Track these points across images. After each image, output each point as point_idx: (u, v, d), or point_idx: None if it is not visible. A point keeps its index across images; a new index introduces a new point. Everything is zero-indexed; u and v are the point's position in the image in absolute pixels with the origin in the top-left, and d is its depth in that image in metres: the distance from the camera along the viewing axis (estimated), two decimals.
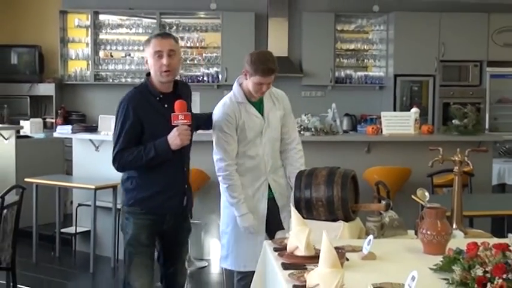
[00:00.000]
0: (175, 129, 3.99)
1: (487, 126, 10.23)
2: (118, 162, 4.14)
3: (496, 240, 3.71)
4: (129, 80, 10.60)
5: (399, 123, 7.89)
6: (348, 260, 3.63)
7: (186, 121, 4.00)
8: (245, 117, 4.77)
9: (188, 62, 10.75)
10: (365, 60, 11.39)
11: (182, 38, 10.60)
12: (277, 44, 10.70)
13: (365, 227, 4.32)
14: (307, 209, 4.12)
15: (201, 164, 6.34)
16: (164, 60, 4.04)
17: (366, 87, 11.18)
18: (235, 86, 4.93)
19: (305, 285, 2.97)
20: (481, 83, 10.68)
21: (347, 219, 4.23)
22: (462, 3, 10.57)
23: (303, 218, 4.01)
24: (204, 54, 10.93)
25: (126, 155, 4.10)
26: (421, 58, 10.65)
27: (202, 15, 10.82)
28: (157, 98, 4.19)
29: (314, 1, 10.84)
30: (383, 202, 4.57)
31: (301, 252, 3.64)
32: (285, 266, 3.40)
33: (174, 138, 4.00)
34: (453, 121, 8.21)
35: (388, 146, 7.60)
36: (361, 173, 6.67)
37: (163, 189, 4.26)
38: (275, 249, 3.95)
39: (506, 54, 10.73)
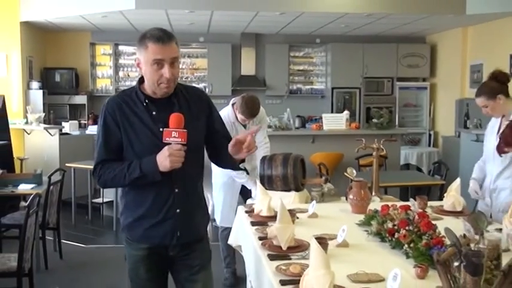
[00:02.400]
0: (166, 148, 2.46)
1: (396, 123, 10.30)
2: (98, 177, 2.65)
3: (401, 203, 3.77)
4: None
5: (335, 122, 7.94)
6: (298, 218, 3.67)
7: (180, 139, 2.45)
8: (235, 131, 4.70)
9: (184, 79, 10.69)
10: (310, 78, 11.37)
11: (180, 63, 10.41)
12: (248, 66, 10.76)
13: (310, 195, 4.36)
14: (269, 183, 4.12)
15: None
16: (166, 71, 2.50)
17: (312, 96, 11.22)
18: (230, 108, 4.90)
19: (267, 237, 3.04)
20: (392, 93, 10.75)
21: (297, 190, 4.25)
22: (379, 37, 10.63)
23: (266, 189, 4.05)
24: (195, 74, 10.92)
25: (107, 171, 2.61)
26: (350, 76, 10.65)
27: (193, 46, 10.78)
28: (144, 104, 2.61)
29: (274, 36, 10.84)
30: (323, 177, 4.61)
31: (264, 213, 3.70)
32: (253, 223, 3.52)
33: (164, 159, 2.46)
34: (373, 120, 8.30)
35: (327, 138, 7.62)
36: (308, 157, 6.71)
37: (144, 214, 2.65)
38: (246, 212, 3.98)
39: (409, 73, 10.81)
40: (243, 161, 2.74)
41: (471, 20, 8.77)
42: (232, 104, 4.90)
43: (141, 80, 2.68)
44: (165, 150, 2.46)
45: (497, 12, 7.95)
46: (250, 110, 4.74)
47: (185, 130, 2.49)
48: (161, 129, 2.50)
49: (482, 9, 7.91)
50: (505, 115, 3.81)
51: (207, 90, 10.58)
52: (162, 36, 2.52)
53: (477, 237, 2.29)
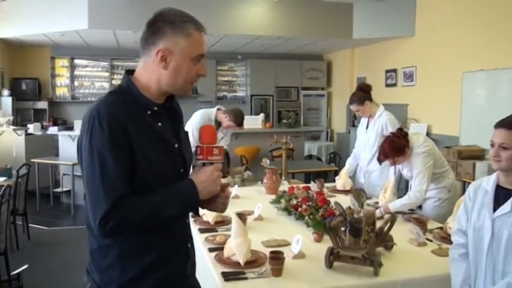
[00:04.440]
0: (211, 169, 1.54)
1: (301, 123, 10.48)
2: (114, 223, 1.37)
3: (304, 185, 3.90)
4: (93, 98, 10.15)
5: (253, 122, 8.02)
6: None
7: (220, 158, 1.56)
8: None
9: None
10: (234, 87, 11.35)
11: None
12: None
13: (234, 181, 4.41)
14: None
15: None
16: (203, 68, 1.59)
17: (235, 102, 11.17)
18: (215, 110, 4.74)
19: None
20: (298, 99, 10.90)
21: (224, 177, 4.26)
22: (287, 55, 10.79)
23: None
24: None
25: (132, 213, 1.40)
26: (265, 85, 10.72)
27: (138, 59, 10.37)
28: (149, 112, 1.52)
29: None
30: (243, 167, 4.68)
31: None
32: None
33: (210, 184, 1.52)
34: (283, 120, 8.47)
35: (247, 135, 7.65)
36: (232, 151, 6.74)
37: (162, 257, 1.54)
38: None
39: (311, 83, 10.97)
40: None
41: (357, 43, 9.11)
42: (218, 109, 4.77)
43: (130, 78, 1.57)
44: (209, 173, 1.53)
45: (376, 37, 8.32)
46: (241, 121, 4.69)
47: (221, 145, 1.66)
48: (176, 145, 1.58)
49: (365, 35, 8.23)
50: (371, 115, 4.11)
51: None
52: (202, 24, 1.56)
53: (359, 208, 2.43)
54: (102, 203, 1.37)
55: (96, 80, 10.42)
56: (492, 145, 1.89)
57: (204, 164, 1.57)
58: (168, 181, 1.50)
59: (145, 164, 1.45)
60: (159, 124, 1.54)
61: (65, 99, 10.14)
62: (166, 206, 1.46)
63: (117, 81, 10.25)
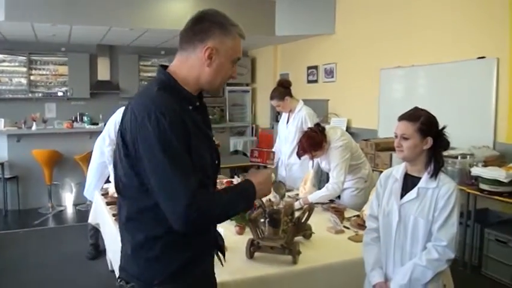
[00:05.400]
0: (268, 172, 1.70)
1: (227, 119, 10.52)
2: (194, 217, 1.41)
3: (227, 179, 3.93)
4: (10, 95, 9.63)
5: None
6: None
7: (273, 163, 1.67)
8: None
9: (48, 84, 9.98)
10: None
11: (45, 69, 9.92)
12: (103, 73, 10.25)
13: None
14: None
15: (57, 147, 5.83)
16: (235, 70, 1.66)
17: None
18: None
19: None
20: (223, 95, 10.82)
21: None
22: None
23: None
24: (58, 79, 10.17)
25: (212, 202, 1.48)
26: None
27: (57, 54, 10.08)
28: (191, 107, 1.58)
29: (125, 48, 10.50)
30: None
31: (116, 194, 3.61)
32: (108, 203, 3.42)
33: (265, 186, 1.63)
34: (210, 116, 8.44)
35: None
36: None
37: (193, 256, 1.59)
38: (102, 194, 3.87)
39: (236, 79, 11.09)
40: None
41: (279, 40, 9.28)
42: None
43: (165, 71, 1.59)
44: (267, 176, 1.65)
45: (298, 34, 8.53)
46: None
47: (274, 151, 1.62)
48: (213, 138, 1.69)
49: (287, 32, 8.41)
50: (292, 110, 4.24)
51: (68, 93, 10.00)
52: (243, 31, 1.63)
53: (279, 200, 2.50)
54: (182, 197, 1.39)
55: (14, 76, 9.84)
56: (396, 136, 2.03)
57: (258, 167, 1.62)
58: (210, 173, 1.59)
59: (197, 156, 1.49)
60: (200, 118, 1.60)
61: None
62: (234, 203, 1.53)
63: (35, 77, 9.85)
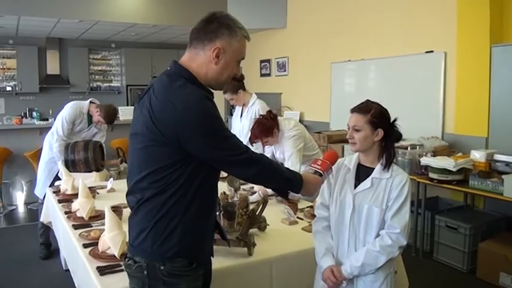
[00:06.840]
0: (321, 180, 1.92)
1: None
2: (258, 160, 1.69)
3: None
4: None
5: (130, 113, 7.77)
6: (98, 193, 3.60)
7: (328, 174, 1.95)
8: (84, 123, 4.49)
9: None
10: (108, 77, 10.95)
11: None
12: (53, 67, 9.95)
13: (109, 173, 4.28)
14: (72, 166, 3.95)
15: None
16: (239, 67, 1.86)
17: (110, 92, 10.83)
18: (87, 103, 4.49)
19: (71, 211, 2.86)
20: None
21: (98, 170, 4.15)
22: (164, 44, 10.66)
23: (70, 172, 3.85)
24: (5, 73, 9.77)
25: (265, 159, 1.72)
26: (142, 75, 10.46)
27: (4, 48, 9.66)
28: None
29: (75, 41, 10.21)
30: (120, 159, 4.54)
31: (69, 192, 3.54)
32: (60, 201, 3.27)
33: (313, 190, 1.87)
34: None
35: (123, 126, 7.35)
36: (109, 143, 6.50)
37: (205, 229, 1.73)
38: (53, 192, 3.73)
39: None
40: None
41: None
42: (91, 102, 4.51)
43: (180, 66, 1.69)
44: (319, 183, 1.90)
45: (251, 28, 8.52)
46: (112, 118, 4.50)
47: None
48: None
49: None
50: (245, 103, 4.27)
51: (16, 88, 9.61)
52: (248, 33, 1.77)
53: (234, 193, 2.51)
54: (243, 146, 1.67)
55: None
56: (348, 128, 2.08)
57: (315, 172, 1.89)
58: None
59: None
60: None
61: None
62: (278, 173, 1.74)
63: None
